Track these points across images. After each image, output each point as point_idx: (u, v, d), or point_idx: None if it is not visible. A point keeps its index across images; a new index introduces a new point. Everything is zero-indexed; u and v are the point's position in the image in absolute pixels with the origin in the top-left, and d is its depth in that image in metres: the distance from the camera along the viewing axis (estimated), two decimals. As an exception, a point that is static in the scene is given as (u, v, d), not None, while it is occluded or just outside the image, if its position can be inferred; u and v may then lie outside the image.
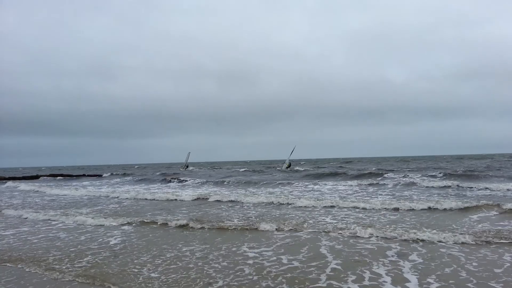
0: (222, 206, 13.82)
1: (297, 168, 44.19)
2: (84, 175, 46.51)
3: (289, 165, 45.13)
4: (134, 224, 10.35)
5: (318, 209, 12.33)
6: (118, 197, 18.74)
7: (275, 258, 6.72)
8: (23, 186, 29.00)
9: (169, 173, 40.42)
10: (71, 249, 7.83)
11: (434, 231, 8.17)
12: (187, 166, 58.05)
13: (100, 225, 10.60)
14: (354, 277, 5.58)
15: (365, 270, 5.86)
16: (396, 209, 11.59)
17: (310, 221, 9.94)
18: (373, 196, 15.37)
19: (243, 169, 47.42)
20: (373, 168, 36.98)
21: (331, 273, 5.78)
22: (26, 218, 12.29)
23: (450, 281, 5.31)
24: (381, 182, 21.22)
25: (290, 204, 13.57)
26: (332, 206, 12.56)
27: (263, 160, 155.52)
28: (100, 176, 44.45)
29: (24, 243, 8.55)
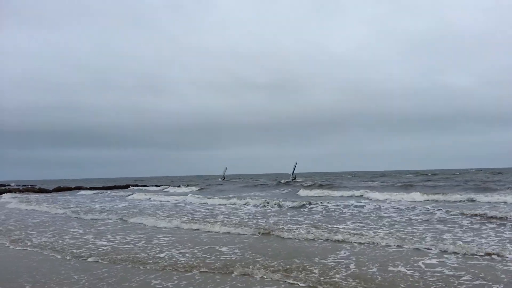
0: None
1: (300, 181, 46.34)
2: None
3: (295, 178, 51.44)
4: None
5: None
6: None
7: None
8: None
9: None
10: None
11: None
12: (224, 178, 68.07)
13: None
14: None
15: None
16: None
17: None
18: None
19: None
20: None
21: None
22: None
23: None
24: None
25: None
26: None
27: (315, 172, 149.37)
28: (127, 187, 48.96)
29: None
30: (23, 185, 57.37)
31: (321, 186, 35.25)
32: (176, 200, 24.18)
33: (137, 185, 53.83)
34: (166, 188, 45.45)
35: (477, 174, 59.78)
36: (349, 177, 65.04)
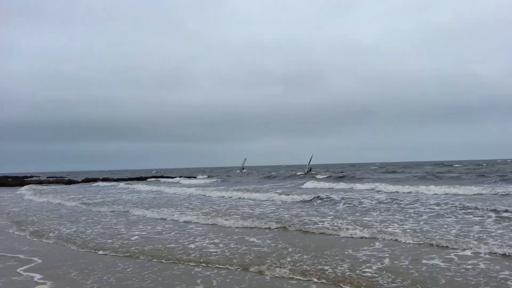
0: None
1: (317, 174, 45.86)
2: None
3: (310, 169, 52.83)
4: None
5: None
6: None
7: None
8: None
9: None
10: None
11: None
12: (243, 169, 69.99)
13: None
14: None
15: None
16: None
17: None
18: None
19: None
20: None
21: None
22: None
23: None
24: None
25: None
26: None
27: (337, 163, 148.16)
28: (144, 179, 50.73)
29: None
30: (53, 177, 59.61)
31: (338, 178, 35.06)
32: (200, 193, 24.40)
33: (162, 177, 55.16)
34: (188, 179, 46.50)
35: (504, 165, 57.99)
36: (372, 169, 64.17)
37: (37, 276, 6.61)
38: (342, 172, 49.90)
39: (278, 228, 10.50)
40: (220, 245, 8.46)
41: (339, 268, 6.43)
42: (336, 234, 9.41)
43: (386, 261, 6.81)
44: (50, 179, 50.89)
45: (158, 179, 51.20)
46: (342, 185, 26.55)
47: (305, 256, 7.28)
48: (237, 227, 10.90)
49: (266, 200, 18.17)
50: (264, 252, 7.78)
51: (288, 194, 18.96)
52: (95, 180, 49.10)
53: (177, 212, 14.23)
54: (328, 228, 10.00)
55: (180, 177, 52.01)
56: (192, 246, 8.52)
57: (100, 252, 8.29)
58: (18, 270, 6.98)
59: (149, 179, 50.80)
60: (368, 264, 6.61)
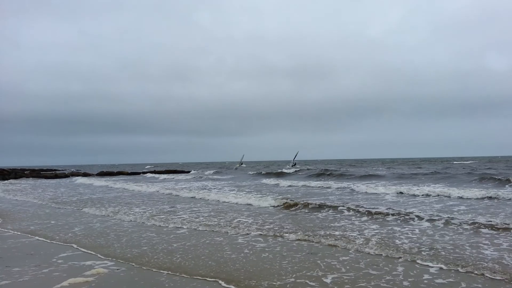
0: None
1: (300, 168, 48.59)
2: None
3: (295, 164, 55.20)
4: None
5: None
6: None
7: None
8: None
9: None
10: None
11: None
12: (242, 164, 71.14)
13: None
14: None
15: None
16: None
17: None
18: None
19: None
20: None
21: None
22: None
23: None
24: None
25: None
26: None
27: (350, 159, 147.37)
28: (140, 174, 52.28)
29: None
30: (69, 170, 60.65)
31: (327, 175, 34.37)
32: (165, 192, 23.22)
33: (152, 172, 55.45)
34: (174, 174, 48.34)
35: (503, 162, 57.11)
36: (373, 165, 63.78)
37: (108, 263, 7.13)
38: (346, 166, 48.98)
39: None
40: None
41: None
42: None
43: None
44: (66, 171, 51.85)
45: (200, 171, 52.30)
46: (332, 183, 24.68)
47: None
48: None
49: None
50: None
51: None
52: (110, 173, 49.46)
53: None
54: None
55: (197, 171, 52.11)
56: (241, 240, 9.31)
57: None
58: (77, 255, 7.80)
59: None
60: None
